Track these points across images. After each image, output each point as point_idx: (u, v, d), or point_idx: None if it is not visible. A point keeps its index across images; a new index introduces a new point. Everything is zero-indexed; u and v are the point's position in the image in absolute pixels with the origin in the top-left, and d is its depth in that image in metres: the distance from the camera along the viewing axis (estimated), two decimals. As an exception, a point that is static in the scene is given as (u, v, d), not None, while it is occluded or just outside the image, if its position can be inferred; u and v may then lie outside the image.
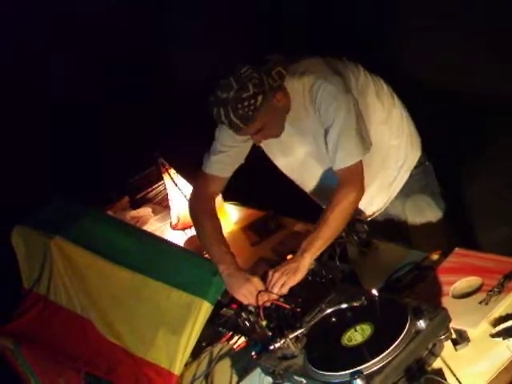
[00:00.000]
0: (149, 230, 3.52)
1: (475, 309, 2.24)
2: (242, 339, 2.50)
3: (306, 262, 2.49)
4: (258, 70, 2.53)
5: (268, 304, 2.45)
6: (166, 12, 6.21)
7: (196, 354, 2.57)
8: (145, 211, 3.79)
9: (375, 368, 1.99)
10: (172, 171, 3.41)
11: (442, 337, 2.10)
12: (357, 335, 2.11)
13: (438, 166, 3.06)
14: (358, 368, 1.99)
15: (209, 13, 6.10)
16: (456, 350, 2.15)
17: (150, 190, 3.91)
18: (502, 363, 2.08)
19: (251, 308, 2.48)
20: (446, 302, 2.33)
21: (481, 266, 2.42)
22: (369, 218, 2.97)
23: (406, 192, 2.96)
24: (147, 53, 6.05)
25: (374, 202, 2.92)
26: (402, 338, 2.03)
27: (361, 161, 2.62)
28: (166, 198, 3.59)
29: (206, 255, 2.76)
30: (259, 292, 2.47)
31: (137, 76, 5.89)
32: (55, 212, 3.06)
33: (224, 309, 2.58)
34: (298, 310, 2.41)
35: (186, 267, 2.65)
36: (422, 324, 2.06)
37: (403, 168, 2.93)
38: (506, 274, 2.32)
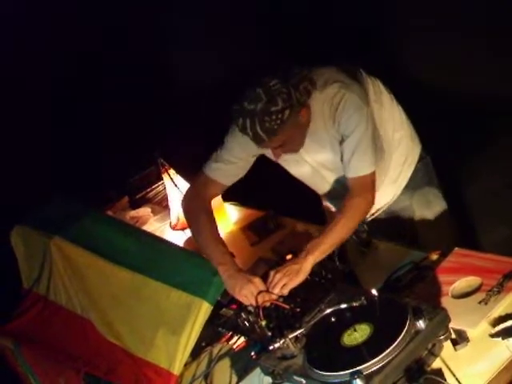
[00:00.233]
0: (148, 230, 3.52)
1: (475, 309, 2.25)
2: (242, 339, 2.50)
3: (308, 265, 2.50)
4: (287, 83, 2.52)
5: (267, 304, 2.45)
6: (166, 12, 6.21)
7: (196, 354, 2.57)
8: (144, 211, 3.79)
9: (375, 368, 1.99)
10: (172, 171, 3.41)
11: (442, 337, 2.11)
12: (356, 335, 2.12)
13: (438, 166, 3.06)
14: (358, 368, 1.99)
15: (209, 13, 6.11)
16: (455, 350, 2.15)
17: (149, 190, 3.91)
18: (502, 363, 2.08)
19: (251, 308, 2.47)
20: (446, 301, 2.33)
21: (480, 265, 2.42)
22: (373, 216, 2.98)
23: (413, 186, 2.98)
24: (147, 53, 6.05)
25: (381, 198, 2.92)
26: (402, 338, 2.03)
27: (374, 172, 2.63)
28: (165, 198, 3.59)
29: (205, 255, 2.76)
30: (259, 292, 2.47)
31: (137, 76, 5.89)
32: (55, 212, 3.06)
33: (224, 309, 2.58)
34: (298, 310, 2.41)
35: (186, 267, 2.65)
36: (421, 324, 2.06)
37: (407, 162, 2.95)
38: (506, 273, 2.32)
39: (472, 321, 2.20)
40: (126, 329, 2.67)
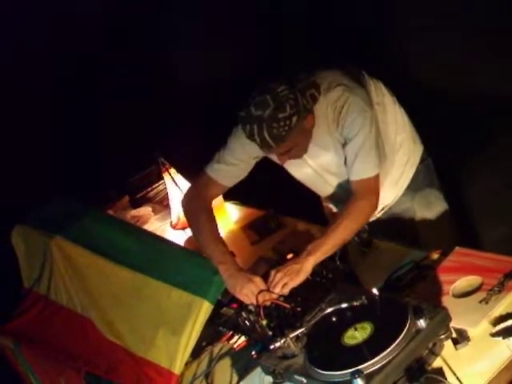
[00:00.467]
0: (149, 229, 3.52)
1: (475, 308, 2.25)
2: (243, 339, 2.50)
3: (309, 265, 2.50)
4: (294, 90, 2.52)
5: (268, 303, 2.45)
6: (166, 12, 6.21)
7: (196, 353, 2.56)
8: (145, 210, 3.79)
9: (375, 367, 1.99)
10: (172, 170, 3.41)
11: (443, 336, 2.11)
12: (357, 334, 2.12)
13: (439, 166, 3.06)
14: (358, 367, 1.99)
15: (209, 13, 6.11)
16: (456, 349, 2.15)
17: (150, 189, 3.91)
18: (502, 362, 2.08)
19: (251, 307, 2.48)
20: (446, 301, 2.33)
21: (481, 265, 2.42)
22: (374, 217, 2.97)
23: (414, 187, 2.98)
24: (147, 53, 6.05)
25: (382, 200, 2.92)
26: (402, 338, 2.03)
27: (377, 175, 2.64)
28: (166, 198, 3.58)
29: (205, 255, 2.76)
30: (260, 291, 2.47)
31: (137, 76, 5.89)
32: (55, 211, 3.06)
33: (224, 308, 2.58)
34: (299, 309, 2.41)
35: (187, 267, 2.65)
36: (422, 323, 2.06)
37: (409, 163, 2.95)
38: (506, 273, 2.32)
39: (473, 320, 2.20)
40: (127, 328, 2.68)
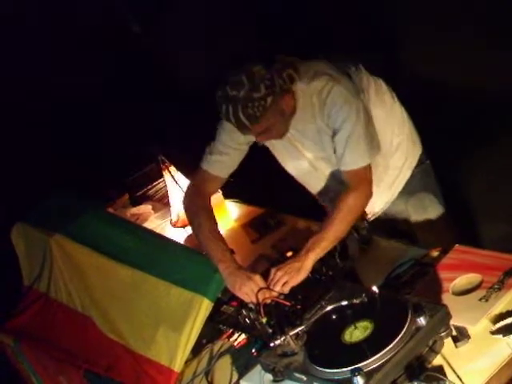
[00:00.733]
0: (149, 227, 3.52)
1: (475, 306, 2.24)
2: (243, 336, 2.50)
3: (309, 263, 2.50)
4: (270, 70, 2.52)
5: (268, 301, 2.45)
6: (166, 12, 6.21)
7: (196, 351, 2.57)
8: (145, 208, 3.79)
9: (375, 365, 1.99)
10: (172, 168, 3.41)
11: (443, 334, 2.10)
12: (357, 332, 2.12)
13: (438, 164, 3.06)
14: (358, 365, 1.99)
15: (209, 12, 6.11)
16: (456, 346, 2.15)
17: (150, 187, 3.91)
18: (503, 360, 2.08)
19: (251, 305, 2.48)
20: (446, 298, 2.32)
21: (481, 262, 2.42)
22: (371, 218, 2.97)
23: (408, 190, 2.97)
24: (147, 53, 6.06)
25: (377, 201, 2.92)
26: (403, 335, 2.03)
27: (369, 165, 2.63)
28: (166, 196, 3.58)
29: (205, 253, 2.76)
30: (260, 289, 2.47)
31: (137, 75, 5.90)
32: (55, 209, 3.06)
33: (224, 306, 2.58)
34: (299, 307, 2.41)
35: (187, 264, 2.65)
36: (422, 321, 2.06)
37: (405, 166, 2.94)
38: (506, 270, 2.32)
39: (473, 318, 2.20)
40: (127, 326, 2.68)
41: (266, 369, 2.24)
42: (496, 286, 2.27)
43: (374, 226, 2.86)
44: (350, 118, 2.58)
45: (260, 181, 2.84)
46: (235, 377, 2.44)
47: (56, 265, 2.87)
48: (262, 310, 2.42)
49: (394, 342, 2.01)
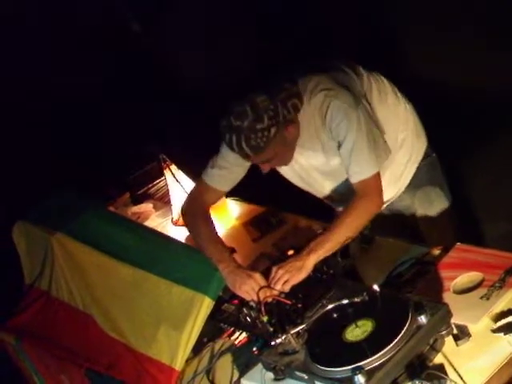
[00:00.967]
0: (150, 225, 3.52)
1: (476, 304, 2.25)
2: (244, 335, 2.50)
3: (310, 262, 2.50)
4: (275, 99, 2.53)
5: (269, 300, 2.45)
6: (166, 12, 6.21)
7: (197, 349, 2.57)
8: (146, 207, 3.79)
9: (376, 364, 1.99)
10: (173, 167, 3.42)
11: (444, 332, 2.11)
12: (358, 331, 2.12)
13: (440, 161, 3.06)
14: (359, 364, 1.99)
15: (209, 12, 6.11)
16: (457, 345, 2.15)
17: (151, 185, 3.91)
18: (504, 358, 2.08)
19: (252, 304, 2.48)
20: (447, 297, 2.33)
21: (482, 261, 2.42)
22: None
23: (415, 184, 2.98)
24: (147, 52, 6.05)
25: (384, 196, 2.92)
26: (403, 334, 2.03)
27: (378, 173, 2.64)
28: (167, 194, 3.58)
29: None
30: (261, 288, 2.47)
31: (137, 75, 5.89)
32: (56, 207, 3.06)
33: (225, 304, 2.59)
34: (300, 305, 2.41)
35: (188, 263, 2.66)
36: (423, 319, 2.06)
37: (411, 160, 2.95)
38: (507, 269, 2.33)
39: (474, 316, 2.20)
40: (128, 324, 2.68)
41: (267, 367, 2.24)
42: (497, 285, 2.28)
43: (376, 224, 2.86)
44: (350, 130, 2.60)
45: (261, 179, 2.84)
46: (236, 375, 2.44)
47: (57, 263, 2.87)
48: (263, 309, 2.42)
49: (394, 341, 2.01)
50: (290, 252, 2.62)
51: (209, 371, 2.51)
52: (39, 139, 5.61)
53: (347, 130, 2.60)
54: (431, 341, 2.09)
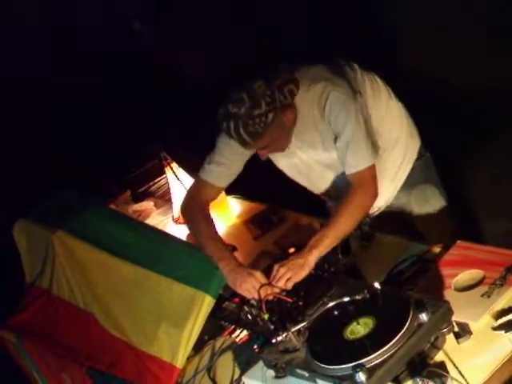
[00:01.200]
0: (151, 223, 3.52)
1: (477, 302, 2.25)
2: (245, 333, 2.50)
3: (312, 259, 2.50)
4: (271, 85, 2.53)
5: (270, 297, 2.46)
6: (166, 12, 6.22)
7: (198, 347, 2.57)
8: (147, 205, 3.80)
9: (377, 361, 1.99)
10: (174, 165, 3.42)
11: (445, 330, 2.11)
12: (359, 328, 2.12)
13: (439, 160, 3.06)
14: (360, 361, 1.99)
15: (209, 12, 6.12)
16: (458, 343, 2.15)
17: (152, 183, 3.92)
18: (505, 356, 2.08)
19: (253, 301, 2.48)
20: (448, 294, 2.33)
21: (483, 258, 2.42)
22: (375, 213, 2.98)
23: (410, 183, 2.98)
24: (147, 52, 6.06)
25: (381, 196, 2.92)
26: (404, 331, 2.03)
27: (373, 165, 2.64)
28: (168, 192, 3.59)
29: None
30: (261, 285, 2.47)
31: (137, 75, 5.90)
32: (57, 206, 3.06)
33: (226, 302, 2.59)
34: (300, 303, 2.41)
35: (188, 261, 2.66)
36: (424, 317, 2.06)
37: (405, 160, 2.95)
38: (509, 266, 2.33)
39: (475, 314, 2.20)
40: (129, 322, 2.68)
41: (268, 365, 2.24)
42: (498, 282, 2.28)
43: (379, 221, 2.87)
44: (349, 122, 2.59)
45: (262, 177, 2.85)
46: (237, 373, 2.45)
47: (58, 261, 2.87)
48: (263, 307, 2.42)
49: (395, 338, 2.01)
50: (291, 250, 2.62)
51: (210, 369, 2.51)
52: (39, 139, 5.62)
53: (346, 122, 2.59)
54: (432, 338, 2.09)
